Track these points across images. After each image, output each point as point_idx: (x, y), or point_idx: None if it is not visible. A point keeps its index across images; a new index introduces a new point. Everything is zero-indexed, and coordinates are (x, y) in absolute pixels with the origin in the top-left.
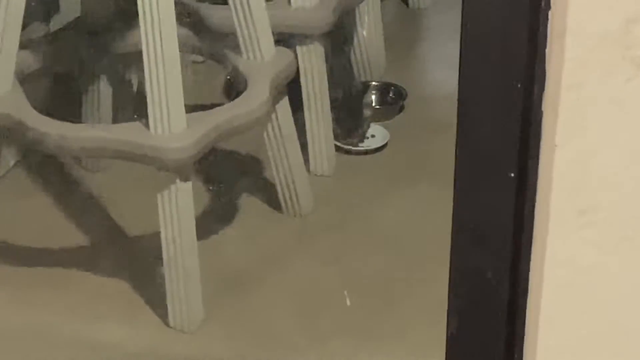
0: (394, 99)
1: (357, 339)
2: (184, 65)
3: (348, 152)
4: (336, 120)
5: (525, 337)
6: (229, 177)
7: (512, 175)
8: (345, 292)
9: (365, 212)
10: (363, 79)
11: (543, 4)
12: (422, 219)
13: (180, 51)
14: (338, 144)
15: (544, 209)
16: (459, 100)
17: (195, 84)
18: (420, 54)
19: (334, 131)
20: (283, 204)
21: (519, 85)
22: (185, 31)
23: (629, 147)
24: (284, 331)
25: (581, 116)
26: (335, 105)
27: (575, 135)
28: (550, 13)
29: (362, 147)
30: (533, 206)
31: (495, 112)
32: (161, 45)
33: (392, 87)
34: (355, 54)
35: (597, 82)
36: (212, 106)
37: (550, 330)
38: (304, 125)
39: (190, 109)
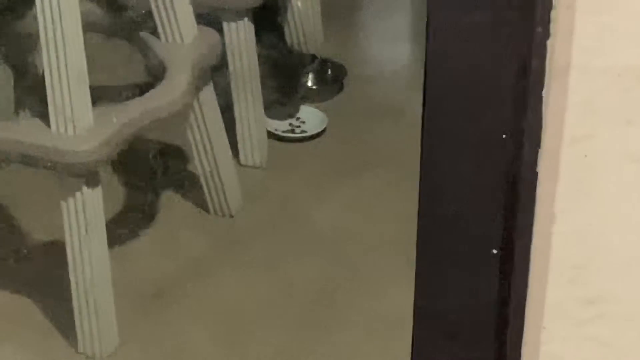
0: (332, 78)
1: None
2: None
3: (282, 139)
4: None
5: None
6: (147, 170)
7: (495, 252)
8: None
9: (301, 210)
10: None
11: (539, 29)
12: (365, 217)
13: (86, 31)
14: (271, 129)
15: (537, 297)
16: (422, 152)
17: (113, 60)
18: (359, 26)
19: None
20: (209, 202)
21: (505, 137)
22: (92, 7)
23: None
24: (205, 354)
25: (589, 178)
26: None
27: (581, 202)
28: (549, 43)
29: (298, 133)
30: (524, 293)
31: (472, 171)
32: (60, 25)
33: (330, 65)
34: (288, 27)
35: (611, 134)
36: (132, 87)
37: None
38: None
39: (105, 90)
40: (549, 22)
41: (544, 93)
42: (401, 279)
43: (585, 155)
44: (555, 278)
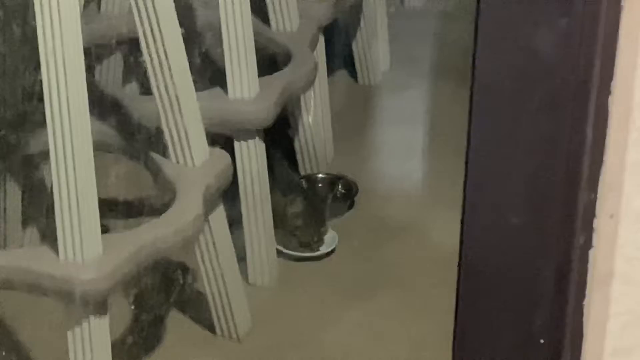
0: (343, 194)
1: None
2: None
3: (291, 258)
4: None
5: None
6: (152, 288)
7: None
8: None
9: (311, 334)
10: (308, 171)
11: (581, 239)
12: (376, 340)
13: (96, 151)
14: (281, 248)
15: None
16: (454, 354)
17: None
18: (371, 141)
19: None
20: (216, 324)
21: (542, 342)
22: (102, 127)
23: None
24: None
25: None
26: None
27: None
28: (591, 252)
29: (307, 252)
30: None
31: None
32: (72, 147)
33: (341, 180)
34: (299, 142)
35: None
36: (135, 204)
37: None
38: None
39: (108, 205)
40: (592, 231)
41: (585, 303)
42: None
43: None
44: None
